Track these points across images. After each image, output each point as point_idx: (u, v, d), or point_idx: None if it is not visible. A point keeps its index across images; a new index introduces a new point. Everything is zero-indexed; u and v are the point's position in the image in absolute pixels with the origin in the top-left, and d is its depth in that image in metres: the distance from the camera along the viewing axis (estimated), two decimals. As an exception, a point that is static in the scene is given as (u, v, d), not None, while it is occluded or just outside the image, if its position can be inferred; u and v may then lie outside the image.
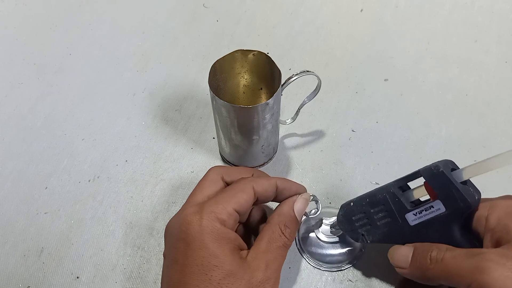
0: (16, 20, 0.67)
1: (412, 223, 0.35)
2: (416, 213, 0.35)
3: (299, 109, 0.50)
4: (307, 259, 0.43)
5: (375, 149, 0.51)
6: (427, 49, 0.61)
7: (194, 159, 0.51)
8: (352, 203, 0.39)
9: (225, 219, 0.33)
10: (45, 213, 0.47)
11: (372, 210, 0.37)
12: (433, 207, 0.34)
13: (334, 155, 0.51)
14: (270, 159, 0.50)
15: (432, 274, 0.32)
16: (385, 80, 0.58)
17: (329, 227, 0.43)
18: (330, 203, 0.47)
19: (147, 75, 0.60)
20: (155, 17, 0.67)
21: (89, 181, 0.50)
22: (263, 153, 0.48)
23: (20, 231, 0.46)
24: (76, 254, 0.44)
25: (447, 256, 0.32)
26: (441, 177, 0.33)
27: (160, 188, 0.49)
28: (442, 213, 0.33)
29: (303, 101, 0.50)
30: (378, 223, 0.37)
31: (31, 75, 0.60)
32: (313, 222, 0.44)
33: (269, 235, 0.35)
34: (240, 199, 0.35)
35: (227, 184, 0.38)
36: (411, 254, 0.35)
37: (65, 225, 0.46)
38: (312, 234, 0.44)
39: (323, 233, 0.43)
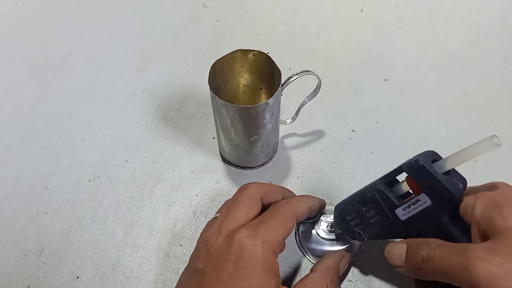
0: (16, 20, 0.67)
1: (402, 218, 0.35)
2: (405, 207, 0.35)
3: (299, 109, 0.50)
4: (307, 256, 0.43)
5: (375, 149, 0.51)
6: (427, 49, 0.61)
7: (194, 159, 0.51)
8: (344, 203, 0.39)
9: (276, 249, 0.33)
10: (45, 213, 0.47)
11: (363, 209, 0.37)
12: (419, 201, 0.34)
13: (334, 155, 0.51)
14: (270, 159, 0.50)
15: (425, 273, 0.32)
16: (385, 80, 0.58)
17: (328, 224, 0.44)
18: (330, 203, 0.47)
19: (147, 75, 0.60)
20: (155, 17, 0.67)
21: (89, 181, 0.50)
22: (263, 153, 0.48)
23: (20, 231, 0.46)
24: (76, 254, 0.44)
25: (436, 255, 0.32)
26: (422, 171, 0.32)
27: (160, 188, 0.49)
28: (429, 205, 0.33)
29: (303, 101, 0.50)
30: (371, 221, 0.37)
31: (31, 75, 0.60)
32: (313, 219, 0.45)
33: (315, 286, 0.35)
34: (288, 228, 0.35)
35: (263, 205, 0.38)
36: (405, 252, 0.35)
37: (65, 225, 0.46)
38: (312, 230, 0.44)
39: (322, 229, 0.44)
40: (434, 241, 0.33)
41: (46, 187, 0.49)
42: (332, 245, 0.43)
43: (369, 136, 0.53)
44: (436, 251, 0.32)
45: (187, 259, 0.36)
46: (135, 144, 0.52)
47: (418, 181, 0.33)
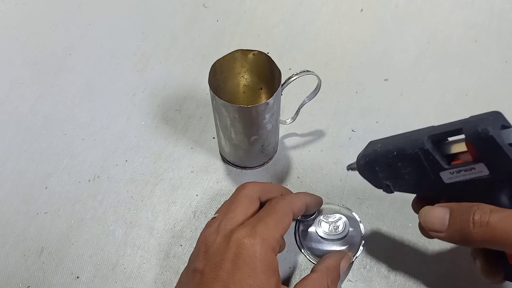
0: (16, 20, 0.67)
1: (447, 181, 0.32)
2: (453, 172, 0.31)
3: (299, 109, 0.50)
4: (307, 256, 0.43)
5: (375, 149, 0.51)
6: (427, 49, 0.61)
7: (194, 159, 0.51)
8: (375, 153, 0.35)
9: (275, 246, 0.33)
10: (45, 213, 0.47)
11: (399, 164, 0.34)
12: (474, 169, 0.30)
13: (334, 155, 0.51)
14: (270, 159, 0.50)
15: (475, 238, 0.29)
16: (385, 80, 0.58)
17: (328, 224, 0.44)
18: (329, 202, 0.47)
19: (147, 75, 0.60)
20: (155, 17, 0.67)
21: (89, 181, 0.50)
22: (263, 153, 0.48)
23: (20, 231, 0.46)
24: (76, 254, 0.44)
25: (493, 220, 0.29)
26: (489, 142, 0.28)
27: (160, 188, 0.49)
28: (484, 176, 0.30)
29: (303, 101, 0.50)
30: (406, 177, 0.34)
31: (31, 75, 0.60)
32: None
33: (316, 286, 0.35)
34: (286, 225, 0.35)
35: (261, 204, 0.38)
36: (448, 216, 0.31)
37: (65, 225, 0.46)
38: (311, 229, 0.44)
39: (322, 229, 0.44)
40: (486, 206, 0.30)
41: (46, 187, 0.49)
42: (332, 245, 0.43)
43: (369, 136, 0.52)
44: (492, 215, 0.29)
45: (187, 259, 0.36)
46: (135, 144, 0.52)
47: (480, 150, 0.29)
